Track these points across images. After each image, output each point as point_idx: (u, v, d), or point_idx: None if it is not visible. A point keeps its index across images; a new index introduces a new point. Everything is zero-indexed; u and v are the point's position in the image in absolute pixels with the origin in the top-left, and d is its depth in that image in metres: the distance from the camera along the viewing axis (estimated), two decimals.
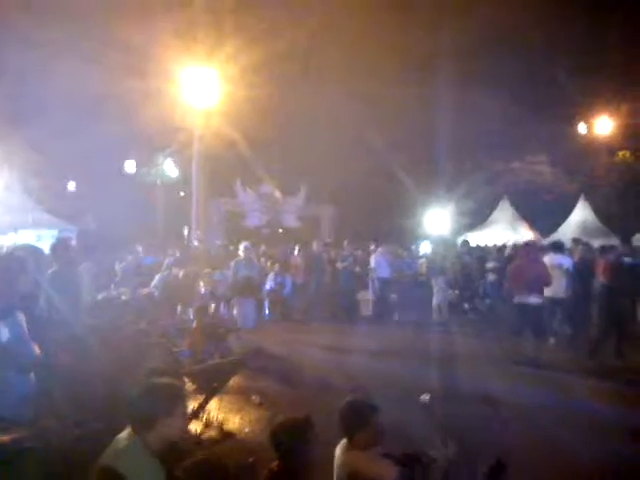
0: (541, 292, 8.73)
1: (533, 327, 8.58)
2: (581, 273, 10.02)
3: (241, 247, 11.22)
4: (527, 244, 9.92)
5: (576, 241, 11.13)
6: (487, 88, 27.01)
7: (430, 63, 26.59)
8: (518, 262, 9.18)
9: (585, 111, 29.09)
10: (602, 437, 5.53)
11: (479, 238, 21.20)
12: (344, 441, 3.41)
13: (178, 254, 14.02)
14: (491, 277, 14.21)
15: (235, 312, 10.95)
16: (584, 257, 10.62)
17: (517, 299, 8.77)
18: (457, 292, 14.57)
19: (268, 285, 13.80)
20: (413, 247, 19.79)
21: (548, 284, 8.81)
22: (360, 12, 23.55)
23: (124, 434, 2.90)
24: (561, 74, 25.86)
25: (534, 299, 8.58)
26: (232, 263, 11.16)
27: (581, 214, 22.10)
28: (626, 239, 18.31)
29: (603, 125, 28.42)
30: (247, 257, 11.00)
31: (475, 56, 26.23)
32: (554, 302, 9.88)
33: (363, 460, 3.25)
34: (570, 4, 26.59)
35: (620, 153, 31.47)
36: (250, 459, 3.93)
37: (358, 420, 3.36)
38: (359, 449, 3.30)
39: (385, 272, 13.71)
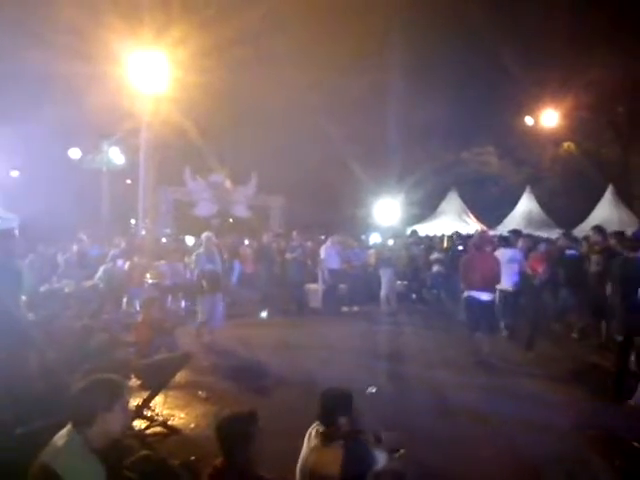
0: (493, 288, 8.56)
1: (485, 323, 8.33)
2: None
3: (203, 237, 10.38)
4: (480, 236, 9.76)
5: (516, 233, 11.25)
6: (437, 79, 27.38)
7: (381, 53, 26.69)
8: (469, 255, 8.93)
9: (531, 103, 29.75)
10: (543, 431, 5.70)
11: (428, 229, 21.50)
12: (321, 429, 3.40)
13: (123, 244, 13.72)
14: (436, 268, 14.48)
15: (199, 309, 9.81)
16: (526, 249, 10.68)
17: (467, 294, 8.53)
18: (405, 283, 14.78)
19: None
20: (363, 237, 19.93)
21: (498, 281, 8.64)
22: None
23: (64, 431, 2.85)
24: (508, 66, 26.36)
25: (485, 295, 8.34)
26: (193, 256, 10.40)
27: (526, 205, 22.64)
28: (569, 231, 18.86)
29: (549, 117, 29.12)
30: (209, 249, 10.10)
31: (425, 48, 26.47)
32: (505, 295, 9.91)
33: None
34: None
35: (565, 144, 32.39)
36: (193, 457, 3.91)
37: (341, 406, 3.41)
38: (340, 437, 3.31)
39: (334, 263, 13.75)
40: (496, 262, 8.68)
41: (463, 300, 8.80)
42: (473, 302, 8.37)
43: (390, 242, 14.70)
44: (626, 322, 6.32)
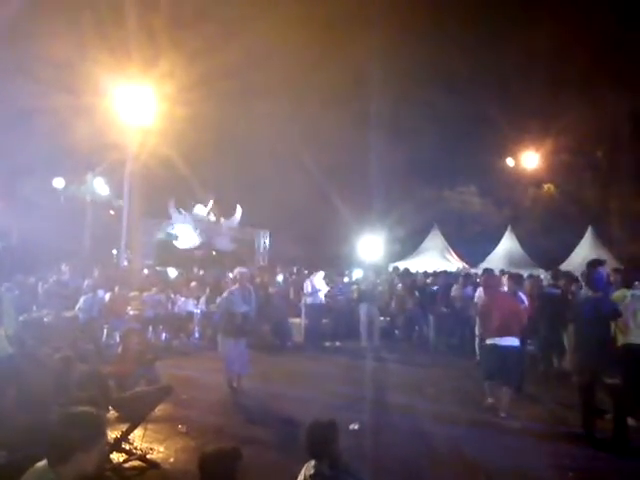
0: (517, 332, 7.39)
1: (507, 374, 7.30)
2: None
3: (236, 273, 9.13)
4: (489, 276, 8.97)
5: (503, 273, 11.41)
6: (419, 120, 27.90)
7: (364, 92, 27.19)
8: (487, 298, 8.07)
9: (512, 145, 30.41)
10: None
11: (411, 266, 21.58)
12: (313, 463, 3.38)
13: (96, 274, 13.54)
14: (417, 305, 14.53)
15: (223, 354, 8.87)
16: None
17: (487, 341, 7.61)
18: (388, 319, 14.76)
19: (199, 309, 13.59)
20: (347, 273, 19.97)
21: (522, 323, 7.52)
22: (298, 32, 23.85)
23: (39, 466, 2.78)
24: (489, 109, 26.98)
25: (508, 341, 7.29)
26: (225, 294, 9.12)
27: (508, 245, 22.91)
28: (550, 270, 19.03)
29: (529, 159, 29.71)
30: (245, 287, 8.87)
31: (409, 89, 27.04)
32: None
33: None
34: (500, 42, 27.84)
35: (545, 186, 33.02)
36: None
37: (329, 437, 3.40)
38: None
39: (317, 298, 13.75)
40: (516, 301, 7.86)
41: (483, 348, 8.07)
42: (494, 350, 7.37)
43: (371, 278, 14.68)
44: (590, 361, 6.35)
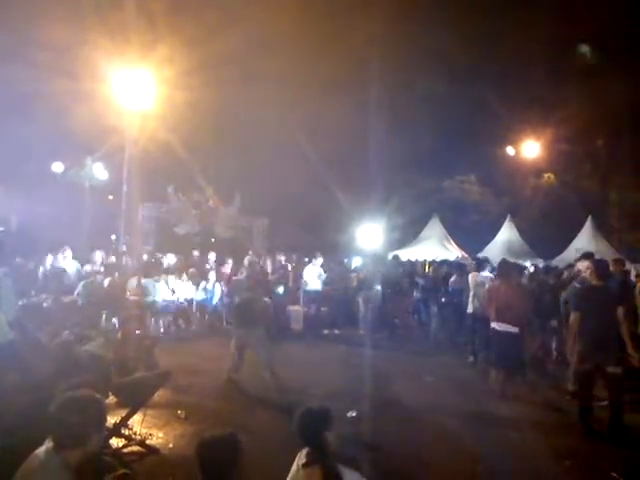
0: (517, 322, 7.73)
1: (509, 360, 7.73)
2: None
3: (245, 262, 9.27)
4: (504, 262, 9.11)
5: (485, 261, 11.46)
6: (419, 109, 27.79)
7: (364, 80, 27.04)
8: (494, 284, 8.43)
9: (512, 134, 30.31)
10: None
11: (410, 254, 21.61)
12: (307, 451, 3.37)
13: (97, 259, 13.51)
14: (416, 293, 14.59)
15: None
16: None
17: (491, 325, 8.03)
18: (387, 307, 14.77)
19: (198, 296, 13.60)
20: (346, 261, 19.95)
21: (523, 315, 7.86)
22: (299, 20, 23.68)
23: (42, 450, 2.79)
24: (491, 98, 26.88)
25: (509, 329, 7.69)
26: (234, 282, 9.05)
27: (507, 234, 22.90)
28: (548, 260, 19.09)
29: (530, 148, 29.64)
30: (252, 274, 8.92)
31: (409, 78, 26.92)
32: (477, 317, 10.04)
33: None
34: (500, 31, 27.70)
35: (546, 175, 32.97)
36: (171, 477, 3.85)
37: (324, 424, 3.38)
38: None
39: (317, 285, 13.77)
40: (521, 293, 8.06)
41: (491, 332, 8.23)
42: (496, 335, 7.87)
43: (370, 266, 14.71)
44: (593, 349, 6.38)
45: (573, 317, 6.62)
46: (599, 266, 6.71)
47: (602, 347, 6.26)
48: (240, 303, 8.61)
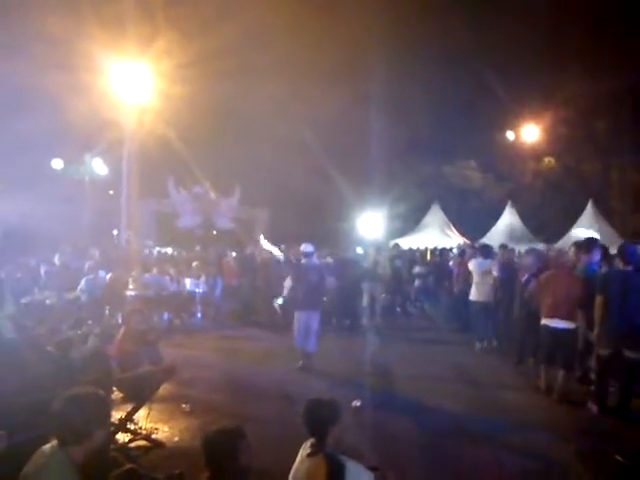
0: (572, 316, 7.09)
1: (561, 357, 7.13)
2: (504, 278, 9.99)
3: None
4: (559, 253, 8.84)
5: (503, 247, 11.37)
6: (419, 94, 27.68)
7: (364, 67, 26.97)
8: (546, 275, 7.57)
9: (512, 118, 30.23)
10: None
11: (411, 242, 21.59)
12: (311, 441, 3.38)
13: (97, 255, 13.54)
14: (417, 282, 14.58)
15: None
16: (506, 261, 10.67)
17: (542, 321, 7.35)
18: (389, 296, 14.78)
19: (200, 288, 13.60)
20: (350, 250, 19.94)
21: (579, 307, 7.11)
22: (297, 10, 23.57)
23: (47, 447, 2.81)
24: (489, 83, 26.77)
25: (561, 324, 7.08)
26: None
27: (508, 219, 22.87)
28: (550, 244, 19.06)
29: (530, 132, 29.55)
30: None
31: (408, 64, 26.79)
32: (483, 307, 10.07)
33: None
34: (499, 16, 27.55)
35: (546, 159, 32.89)
36: (178, 470, 3.86)
37: (332, 416, 3.38)
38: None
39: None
40: (578, 283, 7.11)
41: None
42: (546, 331, 7.24)
43: (371, 255, 14.65)
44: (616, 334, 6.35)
45: (597, 301, 6.56)
46: (627, 251, 6.61)
47: (624, 333, 6.24)
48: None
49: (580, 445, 5.53)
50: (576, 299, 6.99)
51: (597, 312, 6.51)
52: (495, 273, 9.98)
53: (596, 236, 13.19)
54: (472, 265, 10.44)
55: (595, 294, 6.55)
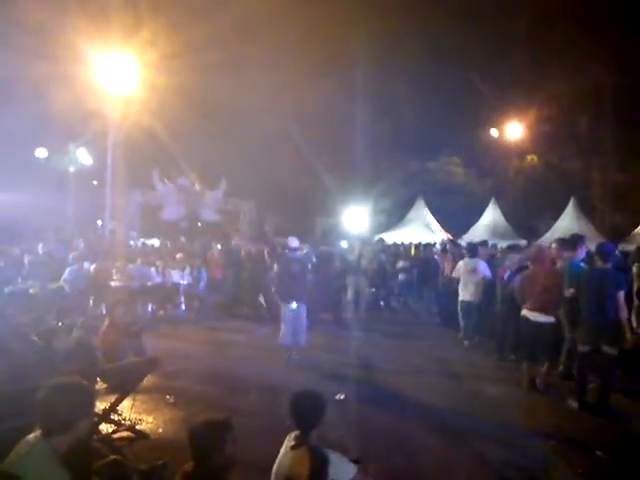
0: (551, 310, 7.24)
1: (541, 350, 7.28)
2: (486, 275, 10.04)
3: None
4: (539, 248, 8.70)
5: (483, 244, 11.45)
6: (404, 90, 27.78)
7: (349, 62, 26.96)
8: (530, 271, 7.73)
9: (496, 116, 30.43)
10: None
11: (395, 237, 21.70)
12: (296, 434, 3.42)
13: (82, 246, 13.47)
14: (401, 277, 14.65)
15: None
16: (488, 259, 10.73)
17: (522, 314, 7.51)
18: (373, 290, 14.85)
19: (185, 280, 13.58)
20: (334, 245, 19.98)
21: (557, 303, 7.26)
22: (284, 2, 23.51)
23: (31, 437, 2.82)
24: (475, 80, 26.93)
25: (542, 318, 7.22)
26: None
27: (491, 216, 23.06)
28: (532, 241, 19.22)
29: (513, 130, 29.76)
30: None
31: (393, 60, 26.85)
32: (470, 305, 10.14)
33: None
34: (483, 14, 27.71)
35: (529, 157, 33.17)
36: (161, 461, 3.88)
37: (318, 409, 3.42)
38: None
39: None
40: (558, 278, 7.27)
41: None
42: (526, 324, 7.40)
43: (356, 249, 14.68)
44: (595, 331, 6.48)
45: (567, 292, 6.70)
46: (605, 249, 6.74)
47: (603, 329, 6.36)
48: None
49: (560, 440, 5.63)
50: (556, 294, 7.14)
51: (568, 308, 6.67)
52: (485, 273, 9.99)
53: (576, 232, 13.31)
54: (459, 264, 10.53)
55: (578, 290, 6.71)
